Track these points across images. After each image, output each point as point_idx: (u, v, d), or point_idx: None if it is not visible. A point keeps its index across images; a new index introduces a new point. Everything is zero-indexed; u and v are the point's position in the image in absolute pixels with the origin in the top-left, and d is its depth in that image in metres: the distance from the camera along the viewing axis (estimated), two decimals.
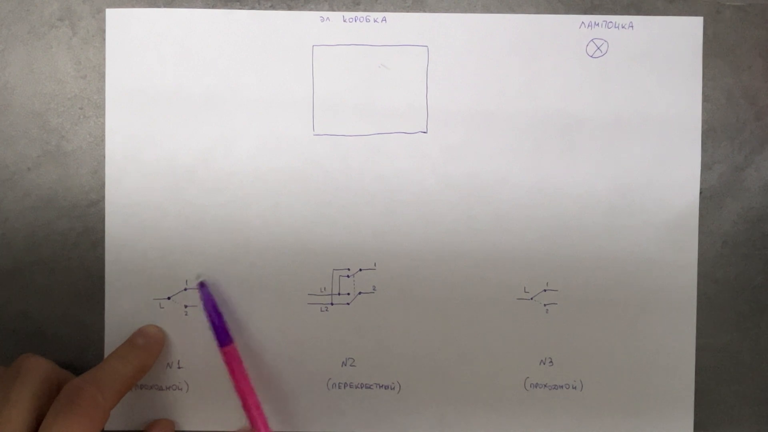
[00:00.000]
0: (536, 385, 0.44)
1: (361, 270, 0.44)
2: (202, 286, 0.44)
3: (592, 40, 0.44)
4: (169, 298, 0.44)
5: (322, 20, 0.44)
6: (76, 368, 0.42)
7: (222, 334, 0.43)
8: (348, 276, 0.44)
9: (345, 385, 0.44)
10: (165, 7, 0.44)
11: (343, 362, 0.44)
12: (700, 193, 0.44)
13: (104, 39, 0.44)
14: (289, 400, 0.44)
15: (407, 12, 0.44)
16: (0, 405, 0.37)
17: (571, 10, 0.44)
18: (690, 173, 0.44)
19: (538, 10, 0.44)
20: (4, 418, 0.37)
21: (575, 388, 0.44)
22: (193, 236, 0.44)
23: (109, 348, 0.44)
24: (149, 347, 0.43)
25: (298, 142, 0.44)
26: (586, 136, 0.44)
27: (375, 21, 0.44)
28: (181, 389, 0.45)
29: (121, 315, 0.44)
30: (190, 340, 0.44)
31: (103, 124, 0.44)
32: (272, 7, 0.44)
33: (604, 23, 0.44)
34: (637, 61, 0.44)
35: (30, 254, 0.44)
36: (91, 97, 0.44)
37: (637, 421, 0.44)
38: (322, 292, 0.44)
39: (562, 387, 0.44)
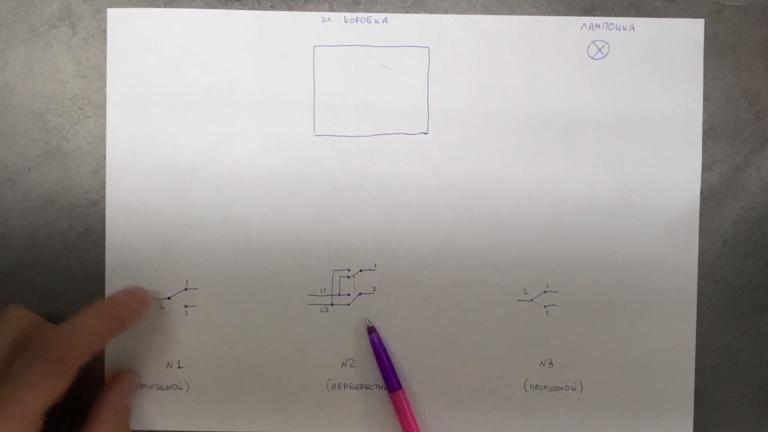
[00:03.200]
0: (536, 387, 0.44)
1: (361, 271, 0.44)
2: (372, 331, 0.44)
3: (593, 41, 0.44)
4: (169, 298, 0.44)
5: (324, 21, 0.44)
6: None
7: (391, 381, 0.43)
8: (348, 276, 0.44)
9: (345, 385, 0.44)
10: (165, 7, 0.44)
11: (343, 363, 0.44)
12: (700, 193, 0.44)
13: (104, 39, 0.44)
14: (289, 400, 0.44)
15: (407, 12, 0.44)
16: None
17: (571, 10, 0.44)
18: (690, 174, 0.44)
19: (539, 10, 0.44)
20: None
21: (575, 389, 0.44)
22: (194, 236, 0.44)
23: (109, 348, 0.44)
24: (132, 305, 0.43)
25: (299, 143, 0.44)
26: (586, 137, 0.44)
27: (376, 22, 0.44)
28: (181, 389, 0.45)
29: None
30: (190, 340, 0.44)
31: (103, 124, 0.44)
32: (272, 7, 0.44)
33: (605, 25, 0.44)
34: (638, 63, 0.44)
35: (30, 254, 0.44)
36: (91, 97, 0.44)
37: (636, 421, 0.44)
38: (322, 292, 0.44)
39: (561, 388, 0.44)
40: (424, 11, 0.44)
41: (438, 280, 0.44)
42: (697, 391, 0.44)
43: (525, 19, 0.44)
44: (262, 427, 0.44)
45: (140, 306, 0.43)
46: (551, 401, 0.44)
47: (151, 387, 0.45)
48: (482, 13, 0.44)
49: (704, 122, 0.44)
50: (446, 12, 0.44)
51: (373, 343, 0.44)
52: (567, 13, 0.44)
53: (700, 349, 0.44)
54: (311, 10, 0.44)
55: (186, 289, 0.44)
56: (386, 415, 0.44)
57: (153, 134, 0.44)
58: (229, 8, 0.44)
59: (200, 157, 0.44)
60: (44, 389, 0.36)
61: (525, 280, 0.44)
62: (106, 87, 0.44)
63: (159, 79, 0.44)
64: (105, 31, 0.44)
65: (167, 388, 0.45)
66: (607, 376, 0.44)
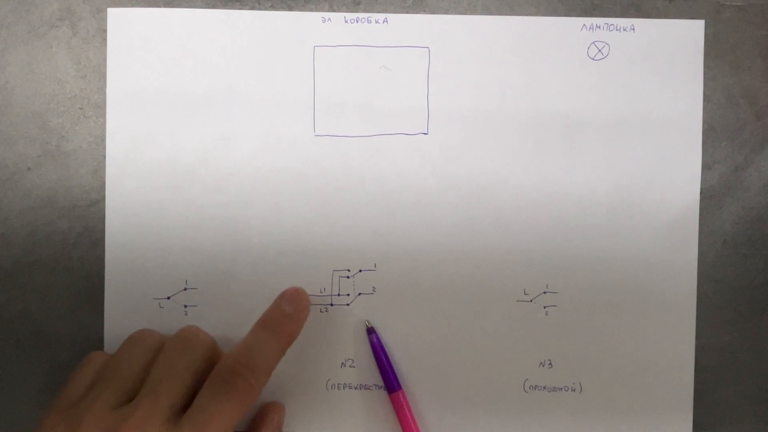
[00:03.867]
0: (535, 387, 0.44)
1: (361, 271, 0.44)
2: (371, 332, 0.44)
3: (593, 42, 0.44)
4: (169, 298, 0.44)
5: (324, 21, 0.44)
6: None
7: (391, 382, 0.43)
8: (348, 277, 0.44)
9: (344, 385, 0.44)
10: (165, 6, 0.44)
11: (342, 363, 0.44)
12: (700, 193, 0.44)
13: (104, 39, 0.44)
14: (289, 401, 0.44)
15: (407, 13, 0.44)
16: (166, 374, 0.38)
17: (571, 10, 0.44)
18: (690, 174, 0.44)
19: (538, 10, 0.44)
20: (167, 388, 0.37)
21: (574, 390, 0.44)
22: (193, 236, 0.44)
23: (108, 348, 0.44)
24: (297, 315, 0.42)
25: (299, 143, 0.44)
26: (586, 138, 0.44)
27: (376, 22, 0.44)
28: None
29: (121, 315, 0.44)
30: None
31: (103, 124, 0.44)
32: (272, 7, 0.44)
33: (605, 26, 0.44)
34: (638, 64, 0.44)
35: (30, 254, 0.44)
36: (91, 97, 0.44)
37: (636, 422, 0.44)
38: (321, 292, 0.44)
39: (561, 389, 0.44)
40: (424, 11, 0.44)
41: (438, 281, 0.44)
42: (696, 391, 0.44)
43: (525, 19, 0.44)
44: None
45: (304, 311, 0.43)
46: (551, 402, 0.44)
47: None
48: (482, 14, 0.44)
49: (704, 122, 0.44)
50: (446, 12, 0.44)
51: (372, 344, 0.44)
52: (567, 14, 0.44)
53: (700, 349, 0.44)
54: (311, 10, 0.44)
55: (186, 289, 0.44)
56: (386, 416, 0.44)
57: (153, 134, 0.44)
58: (229, 8, 0.44)
59: (200, 157, 0.44)
60: (231, 419, 0.37)
61: (525, 281, 0.44)
62: (106, 87, 0.44)
63: (159, 79, 0.44)
64: (105, 31, 0.44)
65: None
66: (606, 377, 0.44)
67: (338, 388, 0.44)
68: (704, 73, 0.44)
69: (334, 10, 0.44)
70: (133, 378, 0.39)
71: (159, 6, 0.44)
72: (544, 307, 0.44)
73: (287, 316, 0.42)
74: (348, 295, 0.44)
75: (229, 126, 0.44)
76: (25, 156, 0.44)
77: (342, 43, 0.44)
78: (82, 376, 0.40)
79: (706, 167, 0.44)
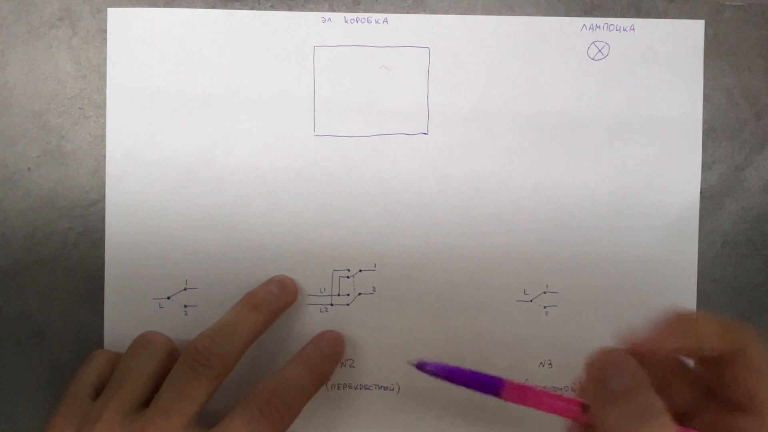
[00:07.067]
0: None
1: (361, 271, 0.44)
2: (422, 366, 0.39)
3: (593, 42, 0.44)
4: (169, 298, 0.44)
5: (324, 21, 0.44)
6: (76, 368, 0.42)
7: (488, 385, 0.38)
8: (348, 277, 0.44)
9: (344, 386, 0.44)
10: (165, 6, 0.44)
11: (342, 363, 0.44)
12: (700, 193, 0.44)
13: (104, 39, 0.44)
14: None
15: (407, 13, 0.44)
16: (176, 394, 0.38)
17: (571, 10, 0.44)
18: (690, 175, 0.44)
19: (538, 10, 0.44)
20: (178, 408, 0.38)
21: (574, 390, 0.44)
22: (193, 236, 0.44)
23: (108, 347, 0.44)
24: (334, 357, 0.43)
25: (299, 143, 0.44)
26: (586, 138, 0.44)
27: (376, 22, 0.44)
28: None
29: (121, 315, 0.44)
30: (190, 340, 0.44)
31: (103, 124, 0.44)
32: (272, 7, 0.44)
33: (605, 26, 0.44)
34: (638, 64, 0.44)
35: (30, 254, 0.44)
36: (91, 97, 0.44)
37: None
38: (321, 292, 0.44)
39: (561, 389, 0.44)
40: (424, 11, 0.44)
41: (438, 281, 0.44)
42: None
43: (525, 19, 0.44)
44: None
45: (339, 354, 0.44)
46: None
47: None
48: (482, 14, 0.44)
49: (704, 122, 0.44)
50: (446, 12, 0.44)
51: (433, 373, 0.39)
52: (567, 14, 0.44)
53: None
54: (311, 10, 0.44)
55: (186, 289, 0.44)
56: (386, 415, 0.44)
57: (153, 134, 0.44)
58: (229, 8, 0.44)
59: (200, 157, 0.44)
60: None
61: (524, 281, 0.44)
62: (106, 87, 0.44)
63: (159, 79, 0.44)
64: (105, 31, 0.44)
65: None
66: None
67: (338, 388, 0.44)
68: (704, 73, 0.44)
69: (334, 10, 0.44)
70: (143, 384, 0.39)
71: (159, 6, 0.44)
72: (544, 307, 0.44)
73: (326, 356, 0.42)
74: (348, 295, 0.44)
75: (229, 126, 0.44)
76: (25, 156, 0.44)
77: (342, 43, 0.44)
78: (87, 374, 0.41)
79: (706, 167, 0.44)
